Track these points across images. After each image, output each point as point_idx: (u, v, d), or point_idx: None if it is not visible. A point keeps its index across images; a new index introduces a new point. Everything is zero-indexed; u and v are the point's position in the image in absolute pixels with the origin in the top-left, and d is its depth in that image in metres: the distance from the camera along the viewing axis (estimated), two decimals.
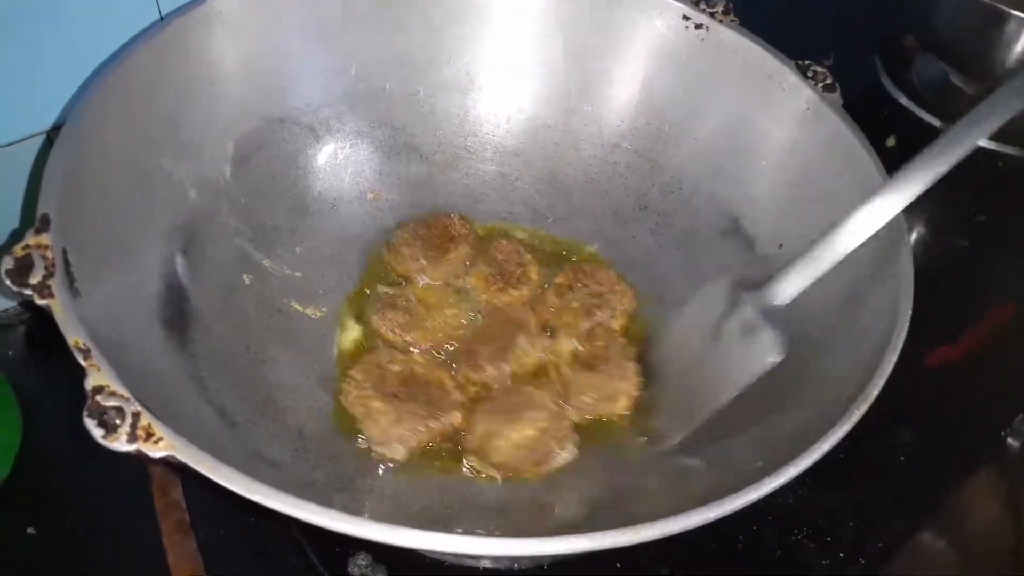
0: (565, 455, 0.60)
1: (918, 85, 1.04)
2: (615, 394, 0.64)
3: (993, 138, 0.97)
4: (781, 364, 0.58)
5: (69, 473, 0.65)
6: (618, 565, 0.62)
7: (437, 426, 0.61)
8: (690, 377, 0.62)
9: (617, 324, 0.69)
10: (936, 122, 0.99)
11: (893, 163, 0.94)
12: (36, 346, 0.73)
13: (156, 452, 0.39)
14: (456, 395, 0.63)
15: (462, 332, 0.68)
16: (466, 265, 0.71)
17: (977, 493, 0.76)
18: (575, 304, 0.69)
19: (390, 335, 0.66)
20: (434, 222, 0.72)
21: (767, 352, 0.56)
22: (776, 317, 0.57)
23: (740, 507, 0.42)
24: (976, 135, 0.55)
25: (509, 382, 0.64)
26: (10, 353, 0.72)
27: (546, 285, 0.71)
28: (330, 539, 0.59)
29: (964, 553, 0.75)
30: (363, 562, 0.60)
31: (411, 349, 0.66)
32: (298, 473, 0.53)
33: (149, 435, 0.39)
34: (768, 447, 0.47)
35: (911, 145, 0.95)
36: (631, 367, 0.65)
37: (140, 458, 0.39)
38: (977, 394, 0.76)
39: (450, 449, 0.61)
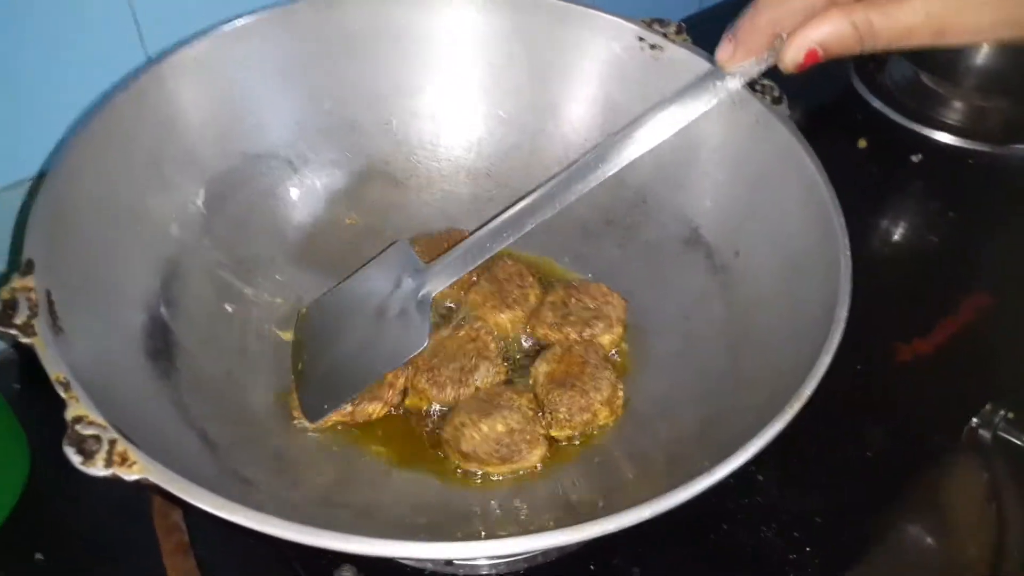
0: (532, 458, 0.62)
1: (891, 87, 1.06)
2: (590, 406, 0.65)
3: (962, 136, 0.99)
4: (732, 367, 0.61)
5: (74, 499, 0.69)
6: (592, 567, 0.64)
7: (354, 411, 0.64)
8: (349, 353, 0.66)
9: (614, 335, 0.71)
10: (907, 123, 1.01)
11: (864, 164, 0.98)
12: (40, 379, 0.76)
13: (130, 475, 0.42)
14: (388, 393, 0.65)
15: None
16: (472, 281, 0.74)
17: (953, 485, 0.78)
18: (572, 317, 0.71)
19: None
20: (446, 238, 0.75)
21: (414, 341, 0.63)
22: (425, 306, 0.63)
23: (676, 505, 0.44)
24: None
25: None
26: (16, 386, 0.76)
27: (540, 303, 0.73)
28: (314, 554, 0.63)
29: (944, 543, 0.77)
30: (347, 575, 0.63)
31: None
32: (275, 491, 0.56)
33: (124, 459, 0.42)
34: (716, 449, 0.49)
35: (882, 146, 0.99)
36: (607, 379, 0.66)
37: (116, 481, 0.42)
38: (948, 387, 0.78)
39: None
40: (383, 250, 0.70)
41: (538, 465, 0.63)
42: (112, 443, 0.43)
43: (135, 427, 0.45)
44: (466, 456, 0.62)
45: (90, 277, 0.56)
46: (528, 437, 0.63)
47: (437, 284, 0.65)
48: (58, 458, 0.69)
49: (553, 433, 0.65)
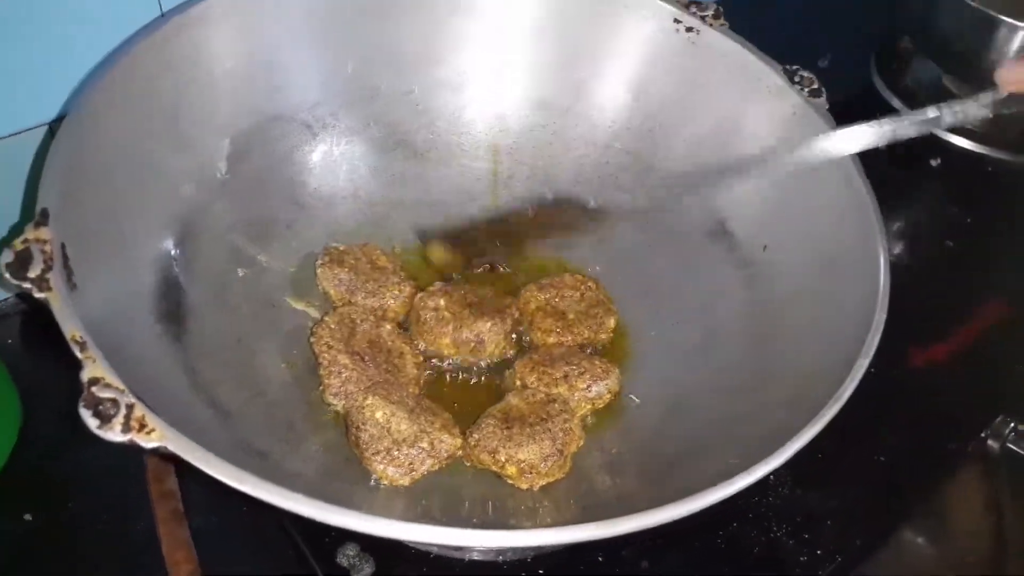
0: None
1: (912, 87, 1.05)
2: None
3: (982, 142, 0.98)
4: (756, 363, 0.59)
5: (66, 460, 0.67)
6: (600, 558, 0.63)
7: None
8: None
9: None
10: None
11: (883, 165, 0.96)
12: (35, 334, 0.74)
13: (149, 443, 0.40)
14: (412, 370, 0.64)
15: None
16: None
17: (959, 493, 0.77)
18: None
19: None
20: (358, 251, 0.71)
21: None
22: None
23: (708, 504, 0.43)
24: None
25: None
26: (9, 341, 0.73)
27: None
28: (319, 529, 0.61)
29: (945, 552, 0.76)
30: (351, 552, 0.61)
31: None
32: (286, 464, 0.54)
33: (142, 426, 0.40)
34: (743, 445, 0.48)
35: (901, 148, 0.98)
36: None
37: (133, 448, 0.40)
38: (960, 395, 0.77)
39: None
40: None
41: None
42: (130, 408, 0.41)
43: (149, 392, 0.43)
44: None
45: (104, 232, 0.54)
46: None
47: None
48: (51, 415, 0.68)
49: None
